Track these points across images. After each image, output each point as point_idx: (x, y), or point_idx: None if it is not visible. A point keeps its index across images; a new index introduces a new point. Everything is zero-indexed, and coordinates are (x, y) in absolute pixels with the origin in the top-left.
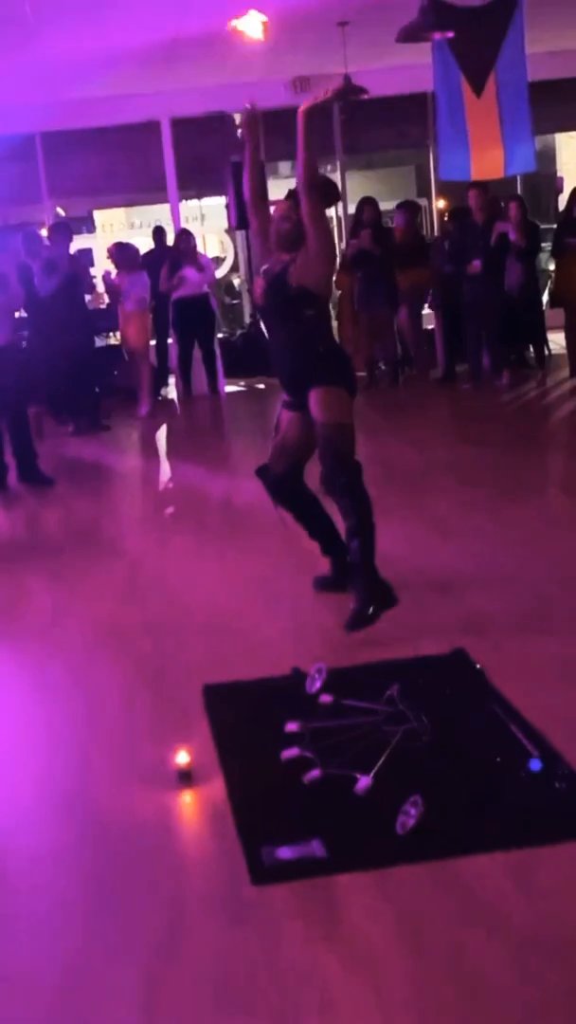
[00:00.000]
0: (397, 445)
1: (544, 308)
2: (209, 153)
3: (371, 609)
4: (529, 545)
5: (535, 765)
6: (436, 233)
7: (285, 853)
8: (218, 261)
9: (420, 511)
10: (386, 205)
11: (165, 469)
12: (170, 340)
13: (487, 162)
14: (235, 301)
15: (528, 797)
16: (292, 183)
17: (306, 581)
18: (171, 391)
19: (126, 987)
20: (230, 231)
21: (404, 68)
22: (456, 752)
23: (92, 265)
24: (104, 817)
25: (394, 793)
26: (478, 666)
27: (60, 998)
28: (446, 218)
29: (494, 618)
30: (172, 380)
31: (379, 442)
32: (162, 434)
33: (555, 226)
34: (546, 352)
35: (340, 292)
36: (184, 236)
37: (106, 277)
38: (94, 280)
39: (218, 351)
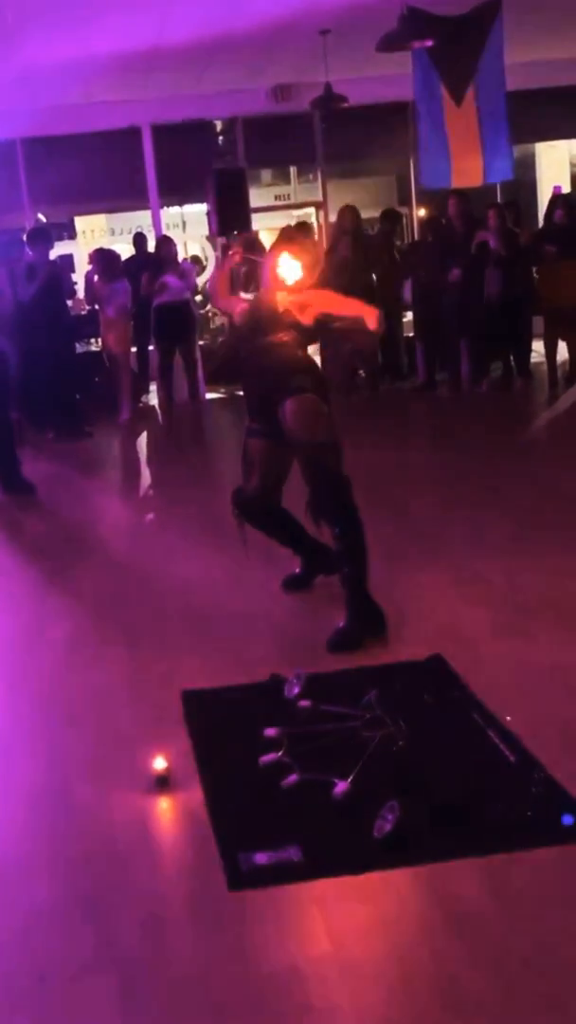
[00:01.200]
0: (376, 452)
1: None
2: (191, 160)
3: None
4: (508, 552)
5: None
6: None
7: (262, 858)
8: (197, 261)
9: (398, 516)
10: (368, 213)
11: (145, 475)
12: (151, 347)
13: (466, 170)
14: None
15: (504, 803)
16: (274, 191)
17: (284, 587)
18: (152, 398)
19: (102, 994)
20: (211, 238)
21: (385, 77)
22: (433, 757)
23: (73, 271)
24: (81, 822)
25: (372, 798)
26: (456, 672)
27: (36, 1005)
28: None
29: (472, 624)
30: (153, 387)
31: (357, 449)
32: (142, 441)
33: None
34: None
35: None
36: (165, 243)
37: (88, 278)
38: (75, 286)
39: (199, 357)
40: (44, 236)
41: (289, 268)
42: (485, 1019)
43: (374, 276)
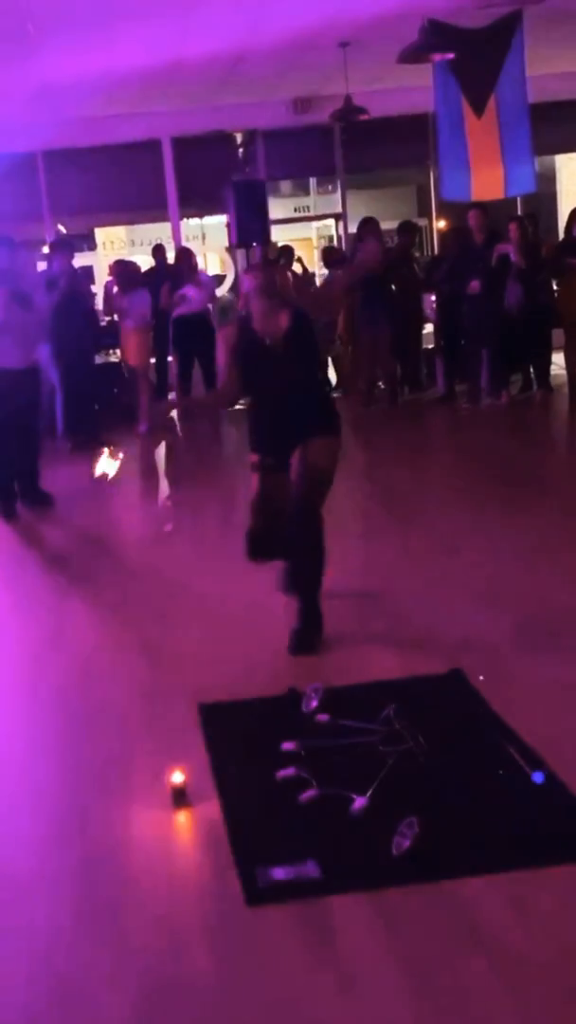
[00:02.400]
0: (395, 463)
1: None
2: (210, 172)
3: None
4: (529, 566)
5: (538, 778)
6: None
7: (280, 874)
8: (219, 279)
9: (419, 530)
10: (387, 225)
11: (164, 487)
12: (170, 358)
13: (487, 182)
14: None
15: (524, 820)
16: (294, 202)
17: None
18: (173, 412)
19: (119, 1011)
20: (231, 249)
21: (405, 89)
22: (452, 773)
23: (92, 283)
24: (98, 837)
25: (390, 814)
26: (476, 687)
27: (51, 1015)
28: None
29: (492, 638)
30: (171, 397)
31: (378, 460)
32: (161, 452)
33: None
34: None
35: (341, 311)
36: (185, 254)
37: (107, 289)
38: (95, 296)
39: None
40: (66, 248)
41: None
42: None
43: (392, 287)
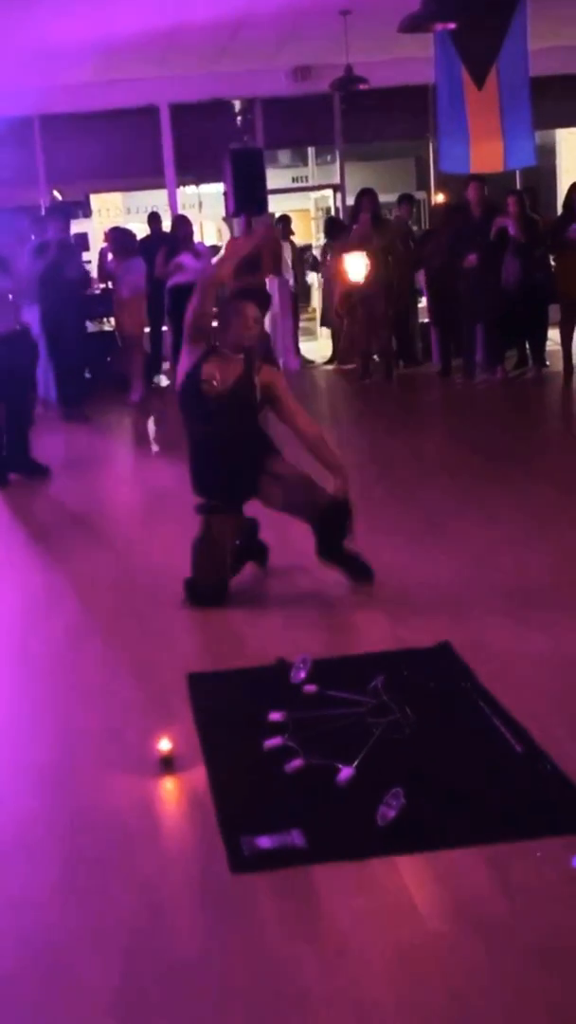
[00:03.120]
0: (389, 437)
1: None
2: (208, 139)
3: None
4: (518, 541)
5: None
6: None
7: (265, 842)
8: (215, 249)
9: (411, 504)
10: (385, 198)
11: (155, 457)
12: (165, 327)
13: (486, 155)
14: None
15: (510, 792)
16: (292, 172)
17: (293, 573)
18: (164, 379)
19: (101, 972)
20: (227, 219)
21: (406, 59)
22: (439, 745)
23: (87, 250)
24: (84, 802)
25: (376, 784)
26: (463, 660)
27: (36, 981)
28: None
29: (481, 612)
30: (166, 367)
31: (371, 434)
32: (153, 422)
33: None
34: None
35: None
36: (182, 222)
37: (102, 256)
38: (88, 265)
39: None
40: (59, 213)
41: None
42: (488, 1006)
43: (389, 258)
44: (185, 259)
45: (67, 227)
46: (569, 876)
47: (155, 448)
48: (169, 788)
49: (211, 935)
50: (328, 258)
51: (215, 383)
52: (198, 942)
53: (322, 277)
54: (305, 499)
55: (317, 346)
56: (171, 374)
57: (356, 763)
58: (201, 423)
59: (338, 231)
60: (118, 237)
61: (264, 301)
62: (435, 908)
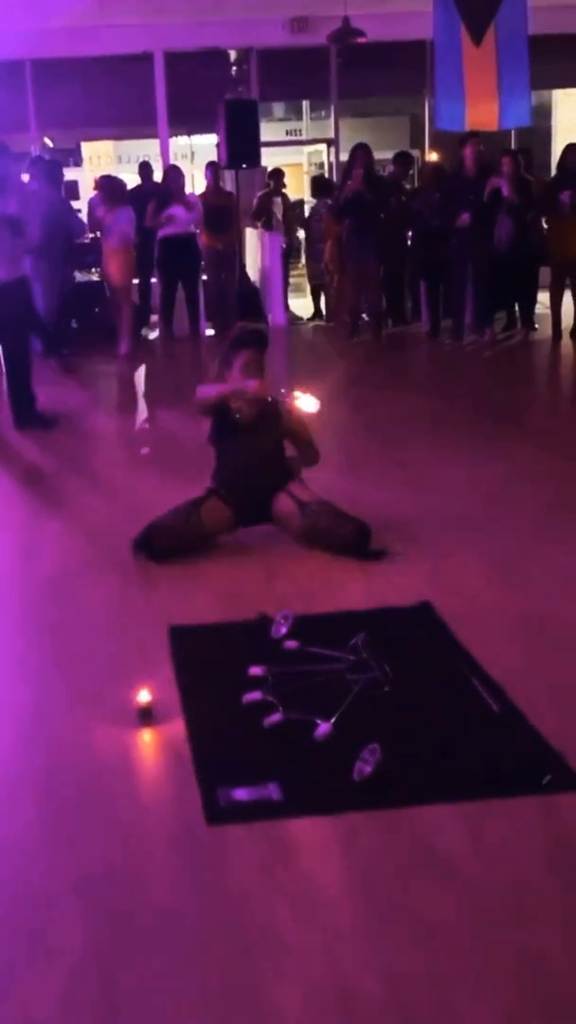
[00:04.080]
0: (377, 397)
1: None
2: (202, 89)
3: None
4: (502, 502)
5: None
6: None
7: (241, 795)
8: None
9: (396, 463)
10: (380, 154)
11: (142, 409)
12: (154, 279)
13: (482, 114)
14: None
15: (485, 750)
16: (286, 126)
17: (277, 530)
18: (152, 331)
19: (77, 921)
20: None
21: (404, 14)
22: (417, 703)
23: (76, 199)
24: (62, 751)
25: (353, 740)
26: (443, 619)
27: (10, 927)
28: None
29: (462, 573)
30: (153, 320)
31: (360, 393)
32: (140, 374)
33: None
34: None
35: (329, 241)
36: (174, 173)
37: (92, 205)
38: (79, 214)
39: (201, 293)
40: (44, 166)
41: (307, 403)
42: (458, 960)
43: (382, 216)
44: (176, 210)
45: (52, 183)
46: (541, 833)
47: (141, 402)
48: (148, 739)
49: (186, 885)
50: (315, 216)
51: (244, 410)
52: (173, 892)
53: (306, 234)
54: (328, 526)
55: (306, 303)
56: (159, 326)
57: (334, 719)
58: (233, 440)
59: (325, 189)
60: (108, 185)
61: (262, 342)
62: (409, 862)
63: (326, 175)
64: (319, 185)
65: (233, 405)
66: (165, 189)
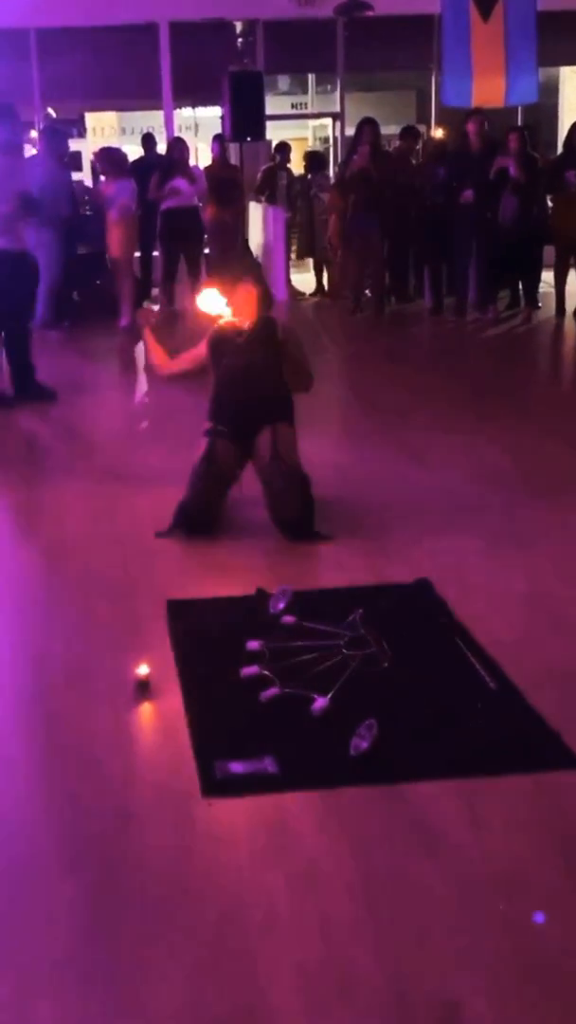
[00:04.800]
0: (378, 374)
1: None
2: (207, 61)
3: None
4: (502, 480)
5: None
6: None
7: (237, 768)
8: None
9: (397, 440)
10: (386, 129)
11: (142, 383)
12: (156, 252)
13: (489, 89)
14: None
15: (482, 728)
16: (291, 99)
17: None
18: (154, 305)
19: (71, 891)
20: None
21: None
22: (414, 679)
23: (79, 170)
24: (59, 722)
25: (350, 716)
26: (442, 596)
27: (7, 901)
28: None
29: (460, 550)
30: (155, 293)
31: (360, 370)
32: (141, 347)
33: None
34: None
35: (333, 216)
36: (177, 144)
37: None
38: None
39: (203, 266)
40: (52, 134)
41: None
42: (451, 936)
43: (386, 192)
44: (179, 183)
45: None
46: (535, 810)
47: (142, 375)
48: (144, 711)
49: (180, 857)
50: (312, 191)
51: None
52: (168, 863)
53: (301, 209)
54: (277, 497)
55: (309, 278)
56: (160, 299)
57: (331, 694)
58: (229, 358)
59: (321, 166)
60: (107, 156)
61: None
62: (402, 837)
63: (324, 150)
64: (314, 160)
65: (228, 325)
66: (169, 161)
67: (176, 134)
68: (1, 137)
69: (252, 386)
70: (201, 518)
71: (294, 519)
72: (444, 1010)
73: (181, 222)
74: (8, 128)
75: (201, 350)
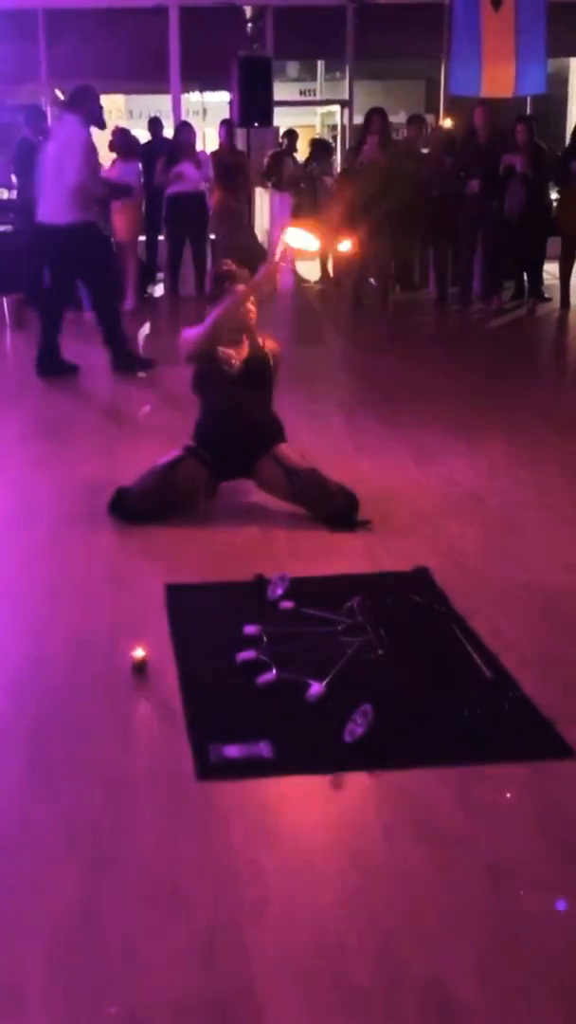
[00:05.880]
0: (382, 365)
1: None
2: (216, 46)
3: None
4: (503, 471)
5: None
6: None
7: (232, 751)
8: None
9: (397, 429)
10: (394, 117)
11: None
12: (161, 237)
13: (498, 79)
14: None
15: (477, 716)
16: (300, 86)
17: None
18: (158, 289)
19: (63, 872)
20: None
21: None
22: (410, 667)
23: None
24: (55, 703)
25: (346, 702)
26: (439, 585)
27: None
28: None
29: (460, 541)
30: (159, 277)
31: (365, 360)
32: (144, 331)
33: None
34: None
35: (340, 204)
36: (185, 129)
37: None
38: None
39: (208, 252)
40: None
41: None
42: (441, 921)
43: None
44: (186, 168)
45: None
46: (525, 800)
47: (145, 359)
48: (140, 694)
49: (174, 839)
50: (317, 179)
51: (234, 361)
52: (160, 845)
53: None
54: (316, 496)
55: (314, 265)
56: (165, 284)
57: (327, 680)
58: (221, 391)
59: (325, 153)
60: (122, 139)
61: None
62: (394, 823)
63: (332, 138)
64: (319, 148)
65: (222, 355)
66: (175, 145)
67: (184, 119)
68: (91, 114)
69: (242, 420)
70: (131, 508)
71: (342, 509)
72: (434, 994)
73: (186, 208)
74: (93, 106)
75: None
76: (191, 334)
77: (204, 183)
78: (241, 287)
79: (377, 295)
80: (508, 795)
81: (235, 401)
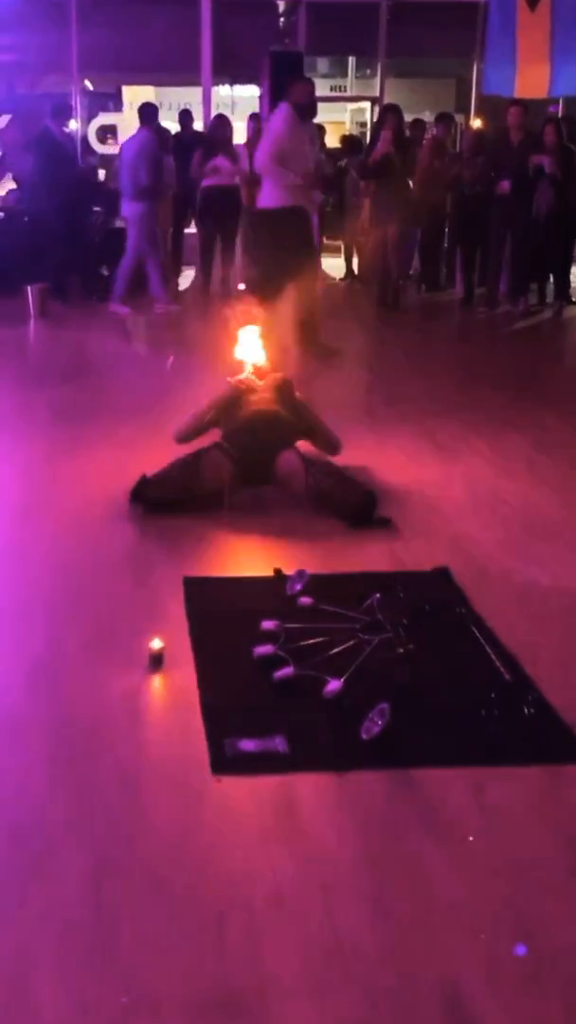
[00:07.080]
0: (405, 364)
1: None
2: (248, 39)
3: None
4: (527, 474)
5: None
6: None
7: (248, 746)
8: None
9: (420, 430)
10: (424, 115)
11: (168, 357)
12: (192, 229)
13: (532, 79)
14: None
15: (495, 717)
16: (330, 82)
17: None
18: (184, 280)
19: (76, 862)
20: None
21: None
22: (429, 667)
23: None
24: (72, 695)
25: (363, 699)
26: (459, 585)
27: (12, 869)
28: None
29: (481, 541)
30: (185, 269)
31: (387, 359)
32: (171, 322)
33: None
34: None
35: (366, 200)
36: (220, 122)
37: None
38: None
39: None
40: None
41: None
42: (454, 920)
43: (409, 181)
44: (221, 161)
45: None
46: (545, 800)
47: (170, 352)
48: (157, 686)
49: (187, 831)
50: (347, 177)
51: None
52: (175, 838)
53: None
54: (334, 488)
55: (339, 263)
56: (196, 276)
57: (345, 677)
58: (246, 409)
59: (356, 149)
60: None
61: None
62: (410, 821)
63: (361, 134)
64: (350, 144)
65: (245, 384)
66: (209, 139)
67: (220, 111)
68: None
69: (271, 434)
70: (154, 497)
71: (360, 505)
72: (445, 991)
73: (219, 201)
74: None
75: (203, 408)
76: (179, 428)
77: (238, 177)
78: (205, 404)
79: (393, 295)
80: (523, 797)
81: (265, 417)
